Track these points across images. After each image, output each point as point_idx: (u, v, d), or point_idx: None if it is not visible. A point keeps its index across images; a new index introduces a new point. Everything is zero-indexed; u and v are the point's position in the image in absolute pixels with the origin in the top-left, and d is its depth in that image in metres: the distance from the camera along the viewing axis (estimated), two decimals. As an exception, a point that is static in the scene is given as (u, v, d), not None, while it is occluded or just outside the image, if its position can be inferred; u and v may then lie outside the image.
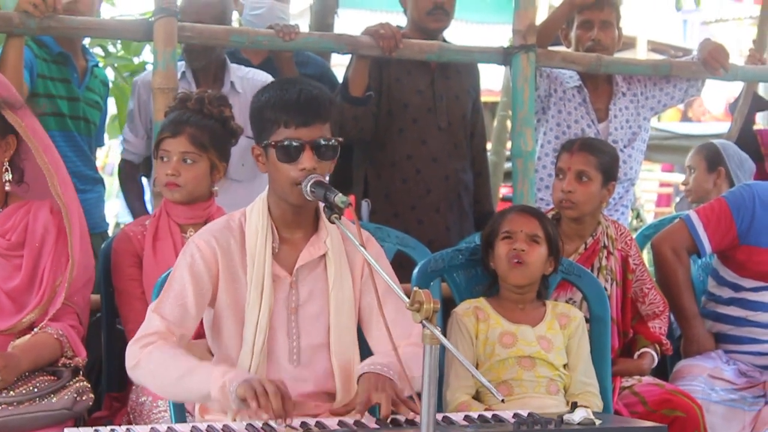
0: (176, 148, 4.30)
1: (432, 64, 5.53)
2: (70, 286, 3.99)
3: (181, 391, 3.38)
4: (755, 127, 6.71)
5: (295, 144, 3.44)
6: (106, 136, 6.06)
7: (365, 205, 5.50)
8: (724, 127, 8.91)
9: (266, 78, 5.17)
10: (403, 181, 5.51)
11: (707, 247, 5.05)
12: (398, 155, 5.51)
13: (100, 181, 5.58)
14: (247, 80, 5.25)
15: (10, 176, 4.05)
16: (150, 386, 3.52)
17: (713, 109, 17.68)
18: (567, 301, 4.57)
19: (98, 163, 5.90)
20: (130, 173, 5.49)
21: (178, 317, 3.47)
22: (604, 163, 4.78)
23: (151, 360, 3.38)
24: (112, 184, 9.23)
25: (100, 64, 5.84)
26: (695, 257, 5.30)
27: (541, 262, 4.23)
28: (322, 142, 3.47)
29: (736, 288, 5.07)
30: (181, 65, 5.25)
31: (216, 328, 3.61)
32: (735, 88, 7.62)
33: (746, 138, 6.44)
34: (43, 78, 5.10)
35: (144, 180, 5.60)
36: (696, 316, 5.11)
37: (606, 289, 4.64)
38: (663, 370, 5.04)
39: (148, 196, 5.55)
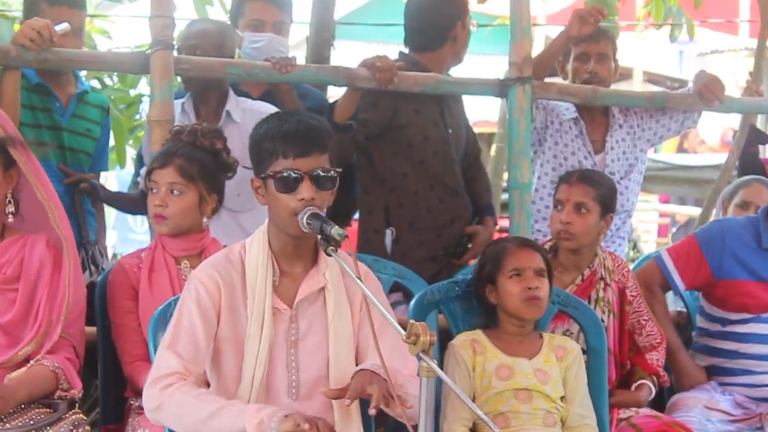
0: (164, 179, 4.31)
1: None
2: (65, 319, 3.99)
3: (210, 430, 3.35)
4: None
5: (293, 174, 3.46)
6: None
7: (389, 233, 5.50)
8: (720, 158, 8.94)
9: (270, 110, 5.17)
10: (429, 210, 5.53)
11: (680, 284, 5.09)
12: (421, 186, 5.52)
13: (89, 213, 5.54)
14: (251, 112, 5.22)
15: (13, 208, 4.06)
16: (174, 428, 3.48)
17: (709, 140, 17.69)
18: (564, 333, 4.57)
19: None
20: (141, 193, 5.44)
21: (192, 354, 3.47)
22: (602, 195, 4.79)
23: (173, 402, 3.37)
24: (109, 215, 9.21)
25: (95, 89, 5.78)
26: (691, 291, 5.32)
27: (548, 294, 4.26)
28: (321, 173, 3.49)
29: (724, 322, 5.07)
30: (179, 101, 5.24)
31: (215, 361, 3.60)
32: (732, 119, 7.64)
33: (752, 169, 6.45)
34: (23, 107, 5.09)
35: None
36: (681, 349, 5.11)
37: (603, 321, 4.64)
38: (660, 402, 5.03)
39: (146, 227, 5.53)
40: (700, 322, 5.23)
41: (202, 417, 3.33)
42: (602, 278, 4.81)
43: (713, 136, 17.64)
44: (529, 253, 4.28)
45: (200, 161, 4.35)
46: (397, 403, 3.25)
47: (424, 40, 5.63)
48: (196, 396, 3.37)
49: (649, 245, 14.44)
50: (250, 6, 5.59)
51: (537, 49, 7.09)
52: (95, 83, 7.14)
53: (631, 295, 4.88)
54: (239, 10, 5.64)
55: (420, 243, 5.51)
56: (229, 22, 5.72)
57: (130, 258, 4.47)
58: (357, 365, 3.64)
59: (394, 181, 5.53)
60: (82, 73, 5.60)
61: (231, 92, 5.33)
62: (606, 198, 4.82)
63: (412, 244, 5.49)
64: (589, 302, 4.70)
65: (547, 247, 4.86)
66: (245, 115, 5.21)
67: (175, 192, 4.31)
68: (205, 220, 4.41)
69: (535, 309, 4.22)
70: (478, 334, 4.27)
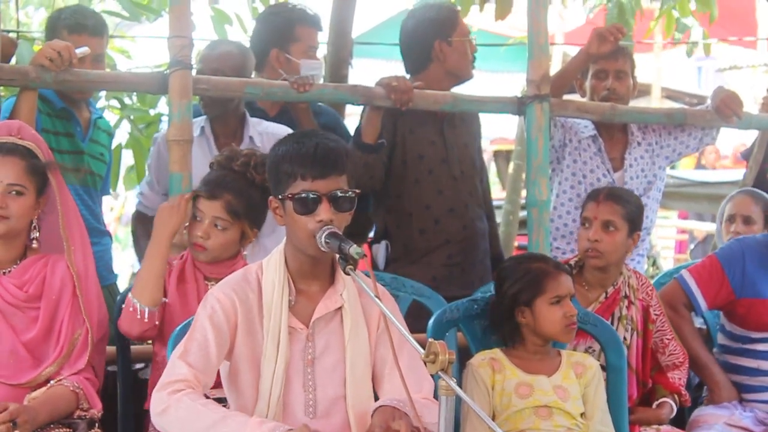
0: (210, 211, 4.31)
1: (438, 113, 5.53)
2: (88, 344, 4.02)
3: None
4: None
5: (312, 196, 3.47)
6: (122, 187, 6.07)
7: (383, 246, 5.50)
8: (738, 174, 8.91)
9: (285, 131, 5.16)
10: (421, 231, 5.52)
11: (702, 304, 5.06)
12: (415, 206, 5.51)
13: (106, 234, 5.57)
14: (267, 134, 5.22)
15: (38, 234, 4.09)
16: None
17: (728, 156, 17.66)
18: (586, 350, 4.57)
19: (115, 214, 5.93)
20: (142, 221, 5.46)
21: (203, 366, 3.49)
22: (630, 213, 4.80)
23: (180, 407, 3.38)
24: (127, 234, 9.25)
25: (104, 114, 5.83)
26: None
27: None
28: (339, 194, 3.50)
29: (745, 340, 5.05)
30: (200, 120, 5.25)
31: (232, 380, 3.62)
32: (751, 135, 7.61)
33: (763, 184, 6.44)
34: (47, 132, 5.11)
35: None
36: (713, 363, 5.08)
37: (626, 339, 4.65)
38: (681, 421, 5.01)
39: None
40: (721, 339, 5.21)
41: (205, 424, 3.34)
42: (626, 296, 4.80)
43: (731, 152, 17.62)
44: (567, 278, 4.26)
45: (249, 198, 4.33)
46: None
47: (410, 63, 5.65)
48: (202, 404, 3.39)
49: (668, 261, 14.41)
50: (305, 32, 5.55)
51: (555, 66, 7.08)
52: (114, 103, 7.18)
53: (655, 314, 4.87)
54: (289, 34, 5.52)
55: (411, 263, 5.49)
56: (245, 44, 5.69)
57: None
58: (373, 385, 3.66)
59: (390, 202, 5.53)
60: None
61: (247, 115, 5.33)
62: (634, 216, 4.82)
63: (404, 263, 5.48)
64: (613, 320, 4.70)
65: (572, 262, 4.86)
66: (264, 138, 5.22)
67: (219, 226, 4.31)
68: (245, 252, 4.43)
69: (573, 333, 4.25)
70: (497, 352, 4.26)
